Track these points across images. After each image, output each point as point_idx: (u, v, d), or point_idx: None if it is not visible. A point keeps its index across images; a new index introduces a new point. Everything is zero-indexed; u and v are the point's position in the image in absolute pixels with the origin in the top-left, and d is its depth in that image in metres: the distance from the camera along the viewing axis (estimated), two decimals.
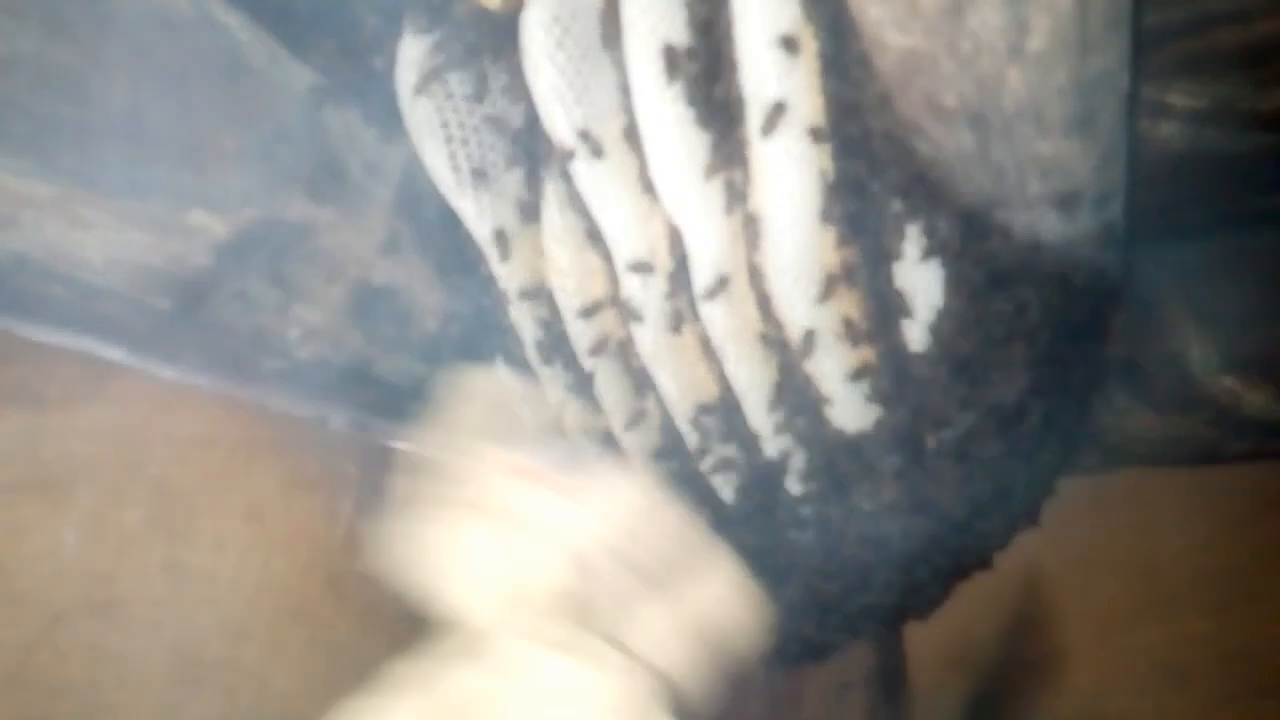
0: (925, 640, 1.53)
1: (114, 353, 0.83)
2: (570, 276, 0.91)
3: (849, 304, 0.87)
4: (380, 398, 1.04)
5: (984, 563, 1.15)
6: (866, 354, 0.88)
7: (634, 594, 0.71)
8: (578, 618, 0.68)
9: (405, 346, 1.01)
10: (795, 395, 0.90)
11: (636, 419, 0.97)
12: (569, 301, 0.92)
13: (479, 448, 0.73)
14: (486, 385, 0.79)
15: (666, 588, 0.72)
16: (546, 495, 0.71)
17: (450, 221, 0.95)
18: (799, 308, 0.84)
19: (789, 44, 0.74)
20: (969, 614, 1.34)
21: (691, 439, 0.96)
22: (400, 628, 1.08)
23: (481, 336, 1.03)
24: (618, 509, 0.72)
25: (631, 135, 0.81)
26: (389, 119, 0.92)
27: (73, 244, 0.72)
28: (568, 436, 0.80)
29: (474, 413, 0.77)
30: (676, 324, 0.89)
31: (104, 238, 0.73)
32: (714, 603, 0.75)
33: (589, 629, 0.68)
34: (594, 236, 0.89)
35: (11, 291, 0.73)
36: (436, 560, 0.70)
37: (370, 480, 1.07)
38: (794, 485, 0.98)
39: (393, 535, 0.72)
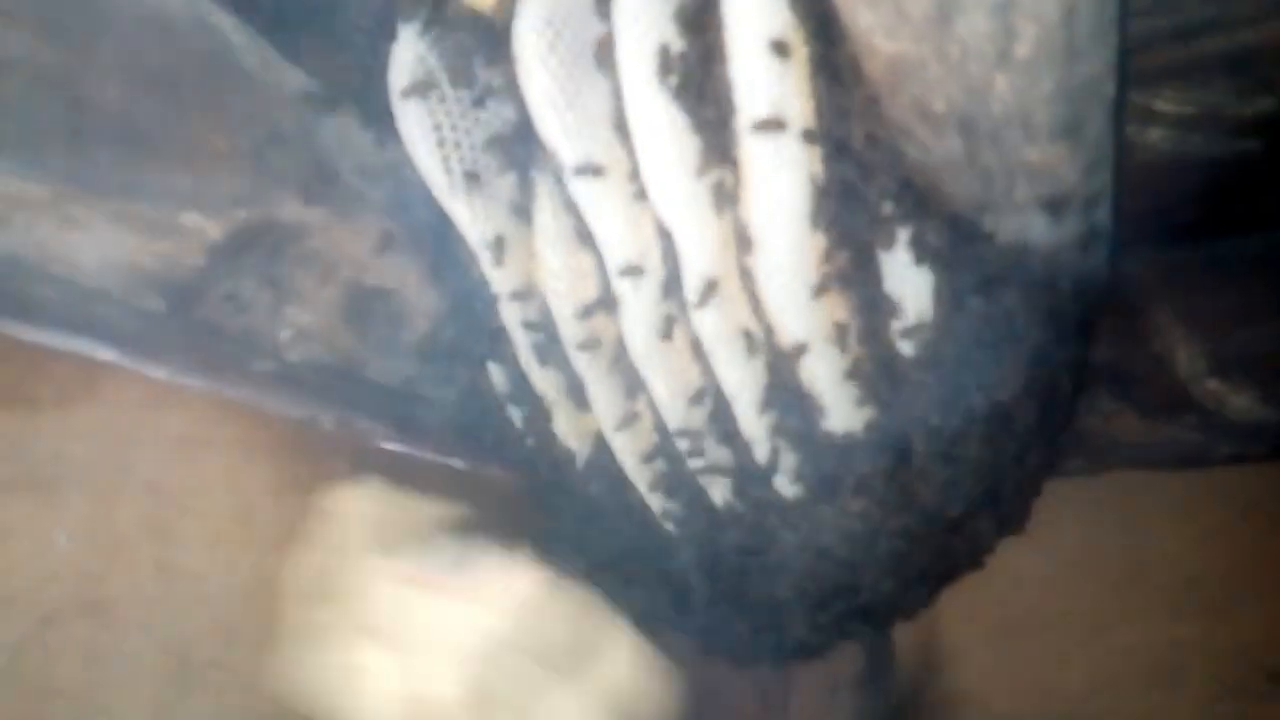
0: (913, 642, 1.54)
1: (106, 353, 0.84)
2: (562, 279, 0.92)
3: (839, 307, 0.88)
4: (372, 399, 1.05)
5: (972, 564, 1.15)
6: (856, 357, 0.89)
7: (537, 684, 0.71)
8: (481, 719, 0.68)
9: (397, 348, 1.01)
10: (785, 398, 0.91)
11: (627, 421, 0.97)
12: (561, 304, 0.92)
13: (369, 563, 0.73)
14: (369, 497, 0.77)
15: (569, 671, 0.73)
16: (437, 600, 0.71)
17: (442, 224, 0.96)
18: (789, 311, 0.85)
19: (780, 48, 0.75)
20: (957, 616, 1.36)
21: (682, 441, 0.97)
22: None
23: (473, 339, 1.04)
24: (510, 601, 0.72)
25: (623, 139, 0.81)
26: (381, 121, 0.92)
27: (65, 245, 0.72)
28: (451, 538, 0.79)
29: (360, 527, 0.75)
30: (667, 327, 0.90)
31: (96, 239, 0.73)
32: (619, 679, 0.75)
33: None
34: (586, 239, 0.90)
35: (4, 292, 0.73)
36: (340, 685, 0.70)
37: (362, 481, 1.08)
38: (784, 487, 0.98)
39: (298, 663, 0.72)
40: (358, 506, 0.77)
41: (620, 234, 0.85)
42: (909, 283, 0.89)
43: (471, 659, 0.69)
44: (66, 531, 0.77)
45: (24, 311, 0.76)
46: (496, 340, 1.02)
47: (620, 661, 0.75)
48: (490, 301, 0.97)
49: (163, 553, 0.84)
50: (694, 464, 0.97)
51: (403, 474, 1.13)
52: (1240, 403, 1.19)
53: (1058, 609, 1.49)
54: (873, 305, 0.89)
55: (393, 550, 0.74)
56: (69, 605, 0.77)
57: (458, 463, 1.23)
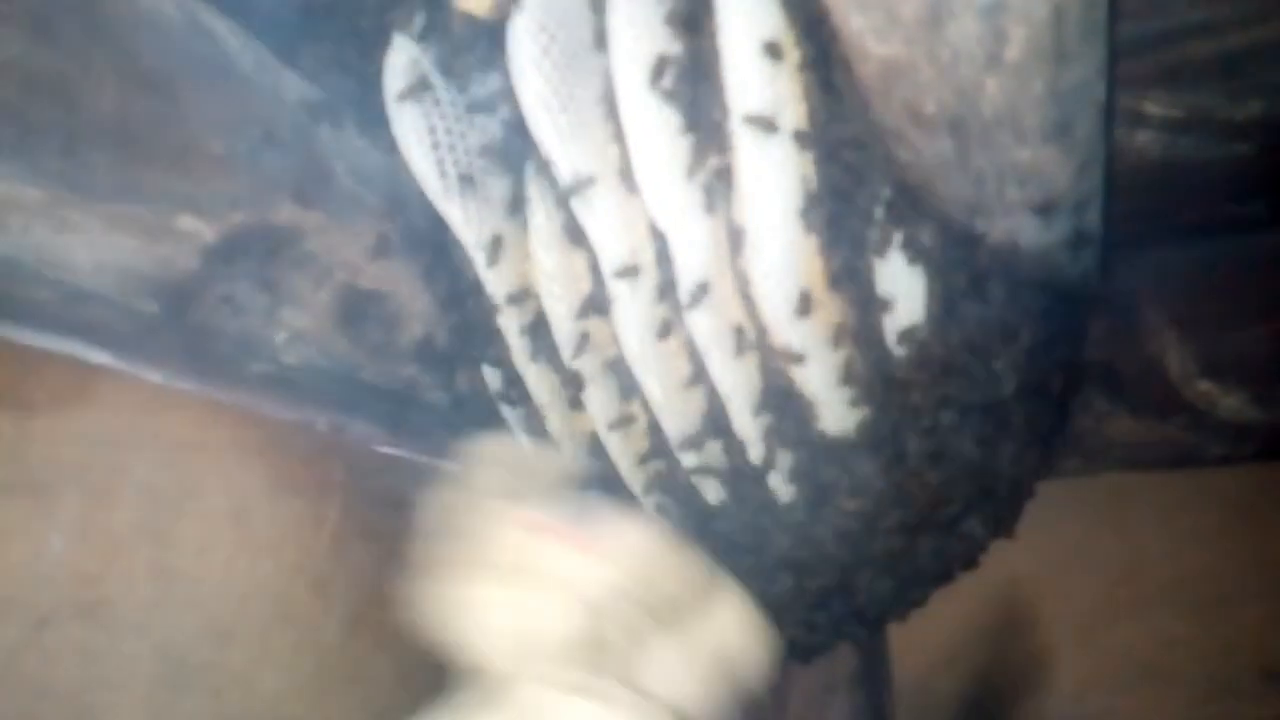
0: (909, 642, 1.54)
1: (101, 356, 0.83)
2: (557, 281, 0.92)
3: (832, 309, 0.88)
4: (367, 402, 1.05)
5: (966, 564, 1.16)
6: (850, 358, 0.89)
7: (645, 634, 0.75)
8: (590, 663, 0.72)
9: (392, 351, 1.01)
10: (779, 398, 0.91)
11: (622, 422, 0.98)
12: (555, 306, 0.93)
13: (497, 507, 0.78)
14: (503, 450, 0.85)
15: (676, 625, 0.77)
16: (559, 548, 0.76)
17: (437, 226, 0.96)
18: (782, 312, 0.85)
19: (772, 51, 0.75)
20: (952, 616, 1.36)
21: (677, 442, 0.97)
22: (386, 631, 1.09)
23: (468, 341, 1.04)
24: (626, 555, 0.76)
25: (617, 141, 0.82)
26: (376, 125, 0.92)
27: (61, 248, 0.72)
28: (582, 492, 0.87)
29: (492, 475, 0.82)
30: (662, 328, 0.90)
31: (92, 241, 0.73)
32: (723, 635, 0.80)
33: (602, 672, 0.72)
34: (580, 241, 0.90)
35: (1, 296, 0.73)
36: (459, 617, 0.76)
37: (356, 484, 1.08)
38: (779, 487, 0.99)
39: (420, 595, 0.78)
40: (495, 455, 0.83)
41: (614, 236, 0.85)
42: (901, 284, 0.89)
43: (584, 605, 0.73)
44: (61, 534, 0.77)
45: (18, 314, 0.76)
46: (491, 342, 1.02)
47: (724, 620, 0.80)
48: (485, 303, 0.97)
49: (158, 555, 0.84)
50: (689, 465, 0.98)
51: (397, 477, 1.14)
52: (1231, 404, 1.20)
53: (1051, 608, 1.50)
54: (866, 307, 0.89)
55: (522, 498, 0.79)
56: (64, 608, 0.77)
57: (454, 465, 1.23)
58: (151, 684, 0.83)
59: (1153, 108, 1.06)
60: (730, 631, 0.80)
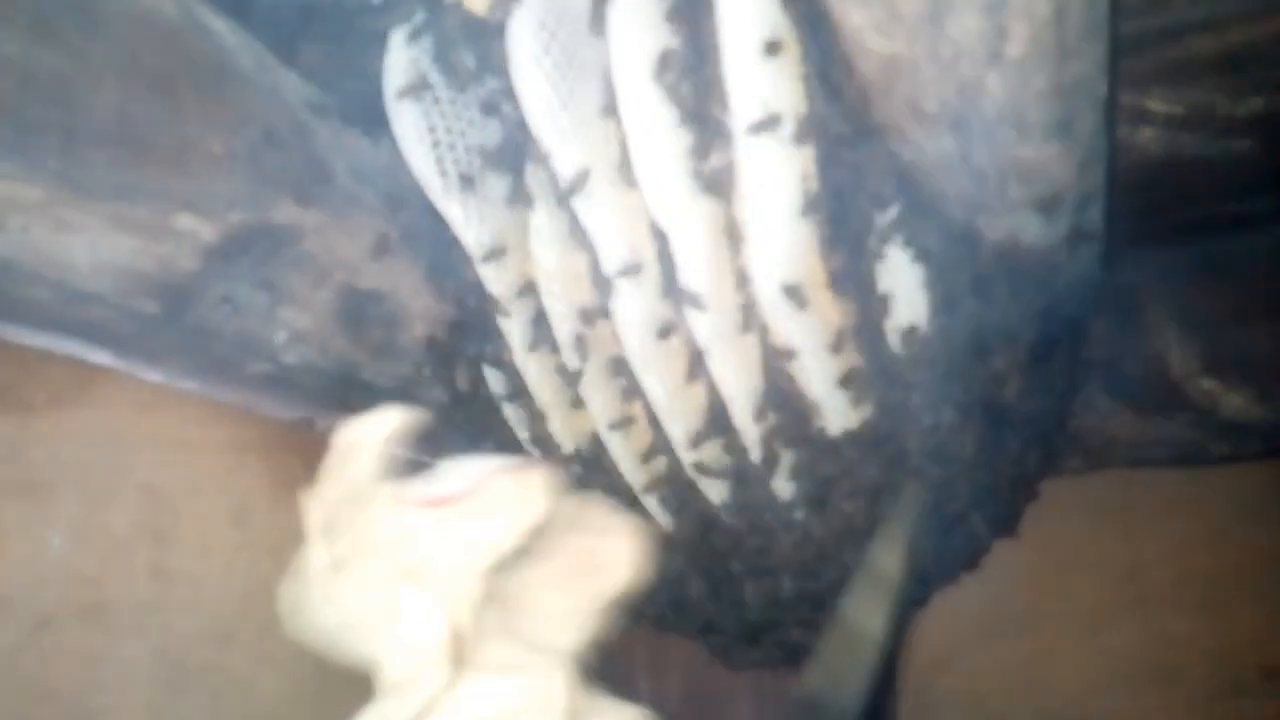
0: (911, 641, 1.54)
1: (101, 356, 0.83)
2: (557, 280, 0.92)
3: (833, 307, 0.88)
4: (367, 401, 1.04)
5: (969, 564, 1.15)
6: (851, 357, 0.89)
7: (519, 577, 0.73)
8: (484, 630, 0.70)
9: (392, 350, 1.01)
10: (780, 397, 0.91)
11: (623, 422, 0.97)
12: (555, 305, 0.92)
13: (373, 491, 0.74)
14: (371, 427, 0.78)
15: (546, 553, 0.74)
16: (446, 518, 0.72)
17: (437, 225, 0.96)
18: (783, 311, 0.85)
19: (772, 48, 0.75)
20: (954, 614, 1.36)
21: (678, 441, 0.97)
22: None
23: (468, 340, 1.04)
24: (515, 510, 0.74)
25: (618, 139, 0.82)
26: (376, 124, 0.92)
27: (59, 247, 0.72)
28: (456, 453, 0.82)
29: (365, 458, 0.76)
30: (663, 327, 0.90)
31: (91, 241, 0.73)
32: (592, 550, 0.77)
33: (498, 636, 0.70)
34: (581, 239, 0.90)
35: (1, 298, 0.73)
36: (349, 616, 0.73)
37: None
38: (781, 486, 0.98)
39: (299, 596, 0.75)
40: (369, 436, 0.78)
41: (616, 234, 0.85)
42: (903, 283, 0.89)
43: (481, 573, 0.70)
44: (61, 534, 0.77)
45: (17, 314, 0.76)
46: (491, 341, 1.02)
47: (594, 530, 0.77)
48: (485, 302, 0.97)
49: (157, 555, 0.84)
50: (689, 464, 0.97)
51: (397, 477, 1.14)
52: (1234, 401, 1.20)
53: (1053, 607, 1.50)
54: (867, 305, 0.89)
55: (402, 474, 0.76)
56: (64, 609, 0.77)
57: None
58: (151, 685, 0.83)
59: (1155, 105, 1.06)
60: (591, 547, 0.77)
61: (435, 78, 0.85)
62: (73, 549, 0.78)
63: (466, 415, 1.10)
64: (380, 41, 0.88)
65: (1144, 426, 1.26)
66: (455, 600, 0.70)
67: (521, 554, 0.73)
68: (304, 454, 1.02)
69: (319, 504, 0.74)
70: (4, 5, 0.66)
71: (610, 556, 0.77)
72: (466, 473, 0.76)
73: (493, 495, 0.74)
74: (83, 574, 0.79)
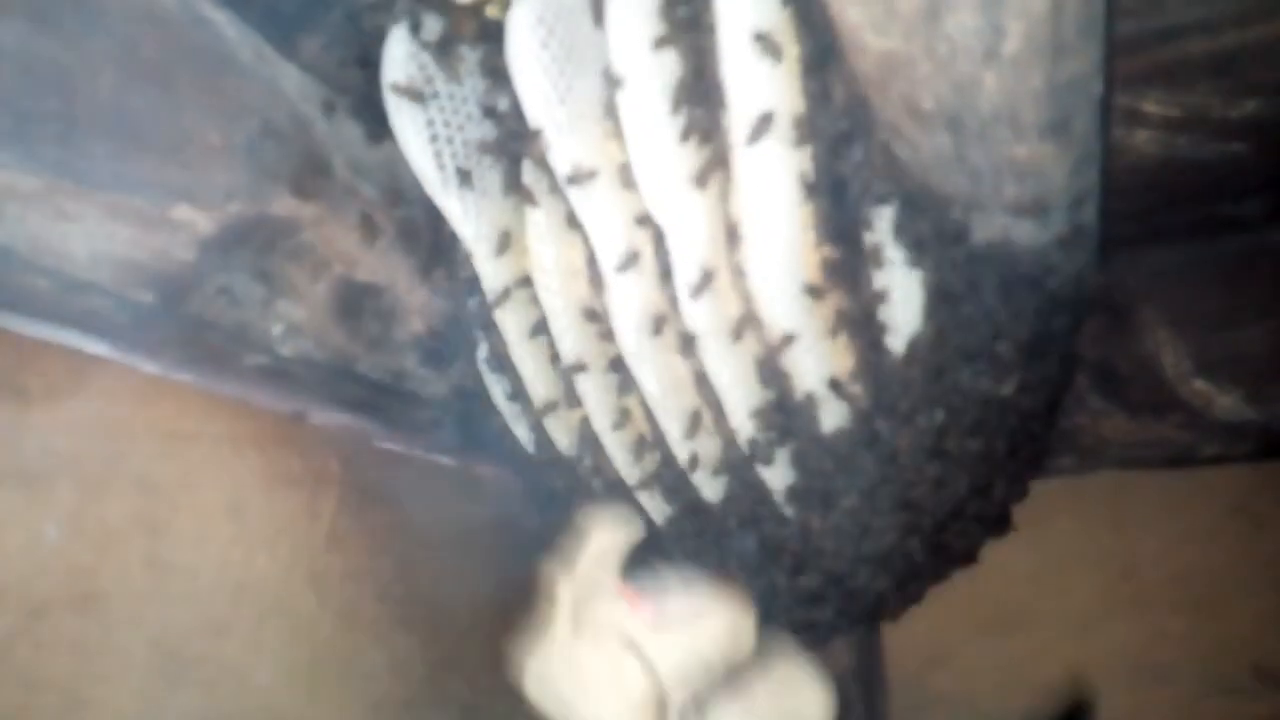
0: (903, 638, 1.55)
1: (97, 346, 0.83)
2: (554, 275, 0.92)
3: (829, 305, 0.88)
4: (363, 395, 1.05)
5: (962, 561, 1.16)
6: (845, 354, 0.89)
7: (709, 700, 0.84)
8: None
9: (389, 344, 1.01)
10: (775, 393, 0.91)
11: (620, 419, 0.98)
12: (552, 300, 0.93)
13: (601, 578, 0.87)
14: (612, 529, 0.91)
15: (738, 687, 0.86)
16: (650, 619, 0.85)
17: (435, 219, 0.96)
18: (779, 307, 0.85)
19: (770, 46, 0.75)
20: (947, 612, 1.36)
21: (674, 437, 0.97)
22: (380, 624, 1.09)
23: (465, 334, 1.04)
24: (696, 627, 0.86)
25: (615, 134, 0.82)
26: (376, 116, 0.92)
27: (57, 237, 0.72)
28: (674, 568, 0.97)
29: (599, 547, 0.89)
30: (659, 322, 0.90)
31: (88, 231, 0.73)
32: (782, 696, 0.87)
33: None
34: (578, 235, 0.90)
35: None
36: (564, 679, 0.85)
37: (352, 477, 1.08)
38: (774, 481, 0.99)
39: (530, 657, 0.86)
40: (607, 535, 0.90)
41: (612, 230, 0.85)
42: (898, 281, 0.89)
43: (660, 676, 0.83)
44: (56, 525, 0.77)
45: (15, 303, 0.75)
46: (488, 336, 1.02)
47: (783, 680, 0.88)
48: (482, 296, 0.97)
49: (153, 547, 0.84)
50: (684, 460, 0.98)
51: (393, 471, 1.14)
52: (1226, 403, 1.21)
53: (1046, 606, 1.50)
54: (862, 303, 0.89)
55: (615, 570, 0.89)
56: (59, 598, 0.77)
57: (448, 460, 1.23)
58: (145, 676, 0.83)
59: (1150, 107, 1.06)
60: (789, 693, 0.87)
61: (434, 72, 0.86)
62: (68, 539, 0.78)
63: (462, 410, 1.11)
64: (379, 35, 0.88)
65: (1136, 427, 1.26)
66: (646, 687, 0.82)
67: (711, 677, 0.84)
68: (299, 447, 1.03)
69: (569, 584, 0.86)
70: None
71: (805, 702, 0.88)
72: (689, 596, 0.89)
73: (708, 625, 0.86)
74: (78, 564, 0.79)
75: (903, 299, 0.89)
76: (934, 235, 0.87)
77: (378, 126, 0.93)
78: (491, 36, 0.84)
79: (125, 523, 0.82)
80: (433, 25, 0.86)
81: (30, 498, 0.76)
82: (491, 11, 0.85)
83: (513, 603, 0.94)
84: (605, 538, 0.89)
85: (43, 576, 0.76)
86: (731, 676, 0.85)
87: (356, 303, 0.96)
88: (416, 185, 0.91)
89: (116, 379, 0.83)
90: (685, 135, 0.80)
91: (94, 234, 0.73)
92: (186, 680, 0.86)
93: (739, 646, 0.86)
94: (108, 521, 0.81)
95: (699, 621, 0.86)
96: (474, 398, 1.09)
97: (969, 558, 1.16)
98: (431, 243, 1.01)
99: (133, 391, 0.84)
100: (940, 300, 0.89)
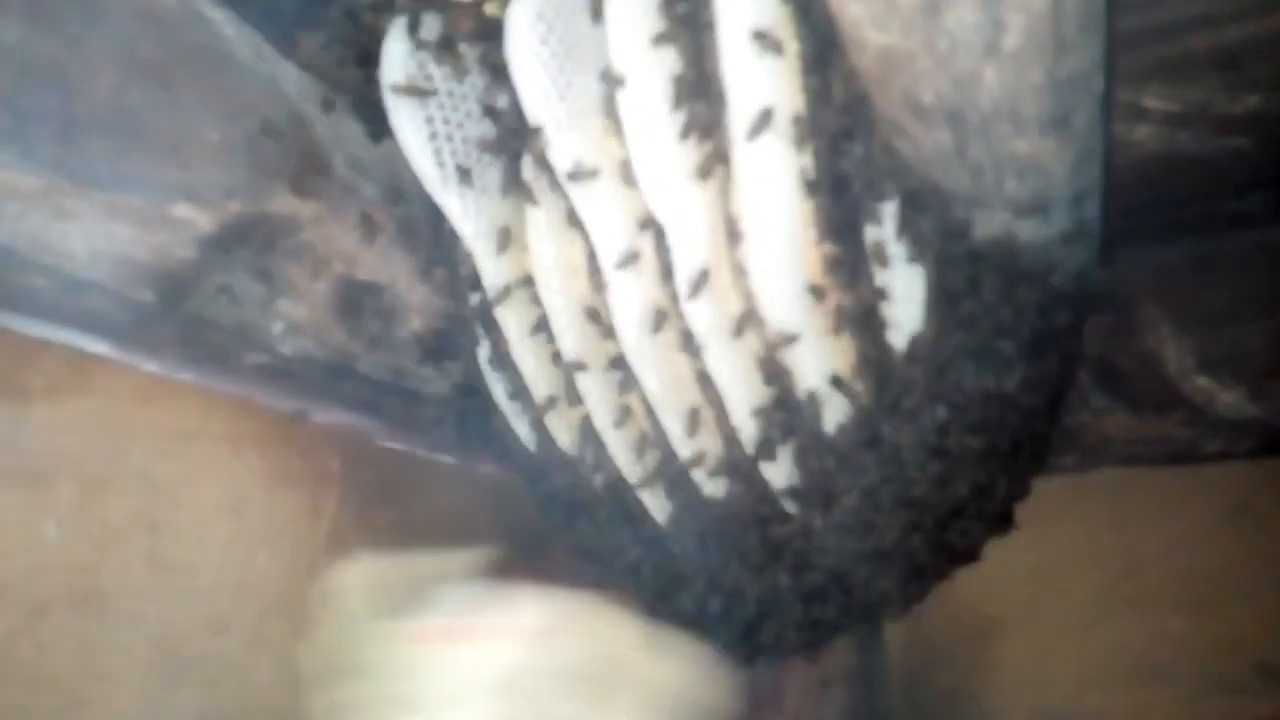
0: (905, 637, 1.55)
1: (98, 345, 0.83)
2: (554, 273, 0.92)
3: (830, 302, 0.88)
4: (364, 393, 1.05)
5: (964, 560, 1.16)
6: (847, 351, 0.89)
7: (574, 699, 0.72)
8: None
9: (389, 343, 1.01)
10: (777, 391, 0.91)
11: (621, 417, 0.98)
12: (553, 298, 0.93)
13: (372, 631, 0.74)
14: (361, 571, 0.79)
15: (608, 682, 0.74)
16: (450, 649, 0.72)
17: (435, 217, 0.96)
18: (780, 305, 0.85)
19: (769, 43, 0.75)
20: (949, 611, 1.36)
21: (675, 434, 0.97)
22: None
23: (465, 332, 1.04)
24: (523, 630, 0.73)
25: (615, 130, 0.82)
26: (374, 114, 0.92)
27: (57, 236, 0.72)
28: (455, 583, 0.81)
29: (359, 600, 0.77)
30: (659, 320, 0.90)
31: (88, 230, 0.73)
32: (665, 686, 0.76)
33: None
34: (578, 233, 0.90)
35: None
36: None
37: (353, 476, 1.08)
38: (776, 479, 0.99)
39: None
40: (357, 579, 0.78)
41: (613, 227, 0.85)
42: (900, 279, 0.89)
43: (495, 695, 0.69)
44: (57, 523, 0.77)
45: (15, 302, 0.75)
46: (489, 333, 1.02)
47: (663, 666, 0.76)
48: (483, 294, 0.97)
49: (153, 545, 0.84)
50: (685, 458, 0.98)
51: (394, 469, 1.14)
52: (1229, 399, 1.20)
53: (1048, 605, 1.50)
54: (864, 300, 0.89)
55: (398, 612, 0.75)
56: (59, 597, 0.77)
57: (449, 458, 1.23)
58: (145, 674, 0.83)
59: (1151, 102, 1.06)
60: (674, 681, 0.76)
61: (432, 69, 0.86)
62: (68, 537, 0.78)
63: (463, 408, 1.11)
64: (379, 33, 0.88)
65: (1138, 424, 1.26)
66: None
67: (558, 677, 0.71)
68: (300, 446, 1.03)
69: (313, 654, 0.75)
70: None
71: (689, 702, 0.76)
72: (458, 602, 0.76)
73: (493, 619, 0.73)
74: (78, 562, 0.79)
75: (904, 296, 0.89)
76: (935, 232, 0.87)
77: (378, 124, 0.93)
78: (490, 34, 0.84)
79: (126, 521, 0.83)
80: (432, 23, 0.86)
81: (31, 496, 0.76)
82: (490, 9, 0.84)
83: None
84: (354, 584, 0.78)
85: (43, 575, 0.76)
86: (591, 677, 0.73)
87: (357, 301, 0.96)
88: (416, 183, 0.91)
89: (117, 378, 0.83)
90: (685, 132, 0.80)
91: (94, 233, 0.73)
92: (187, 679, 0.86)
93: (584, 645, 0.74)
94: (108, 520, 0.81)
95: (525, 623, 0.73)
96: (475, 396, 1.09)
97: (971, 556, 1.15)
98: (432, 240, 1.01)
99: (133, 390, 0.85)
100: (942, 297, 0.89)
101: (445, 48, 0.85)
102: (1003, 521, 1.17)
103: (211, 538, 0.90)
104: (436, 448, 1.20)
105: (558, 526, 1.16)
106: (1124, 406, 1.26)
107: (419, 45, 0.86)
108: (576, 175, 0.82)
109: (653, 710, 0.75)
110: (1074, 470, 1.35)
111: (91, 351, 0.82)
